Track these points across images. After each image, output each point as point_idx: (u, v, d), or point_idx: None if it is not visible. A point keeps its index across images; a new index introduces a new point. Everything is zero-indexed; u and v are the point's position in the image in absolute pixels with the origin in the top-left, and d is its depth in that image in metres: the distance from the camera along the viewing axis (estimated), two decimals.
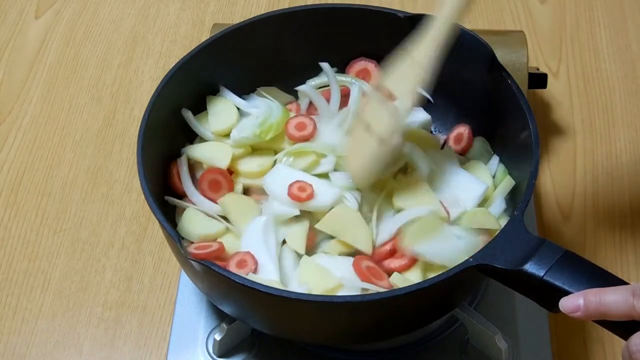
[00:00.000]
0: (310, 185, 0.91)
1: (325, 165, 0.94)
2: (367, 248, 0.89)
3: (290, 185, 0.91)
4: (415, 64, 0.89)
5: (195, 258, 0.81)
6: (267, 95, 1.01)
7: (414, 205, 0.90)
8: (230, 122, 0.98)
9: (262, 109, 0.98)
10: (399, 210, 0.91)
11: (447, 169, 0.94)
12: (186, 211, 0.92)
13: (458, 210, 0.91)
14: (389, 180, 0.93)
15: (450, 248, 0.87)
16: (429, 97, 1.03)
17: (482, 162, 0.97)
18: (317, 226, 0.90)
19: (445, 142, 1.01)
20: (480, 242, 0.87)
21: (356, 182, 0.91)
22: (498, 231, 0.82)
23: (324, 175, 0.94)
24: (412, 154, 0.94)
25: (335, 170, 0.94)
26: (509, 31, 1.16)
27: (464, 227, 0.90)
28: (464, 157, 0.99)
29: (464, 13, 0.89)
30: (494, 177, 0.96)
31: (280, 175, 0.92)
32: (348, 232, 0.89)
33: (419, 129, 1.00)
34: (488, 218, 0.90)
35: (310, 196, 0.91)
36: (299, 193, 0.91)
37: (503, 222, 0.90)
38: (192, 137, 0.99)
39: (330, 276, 0.86)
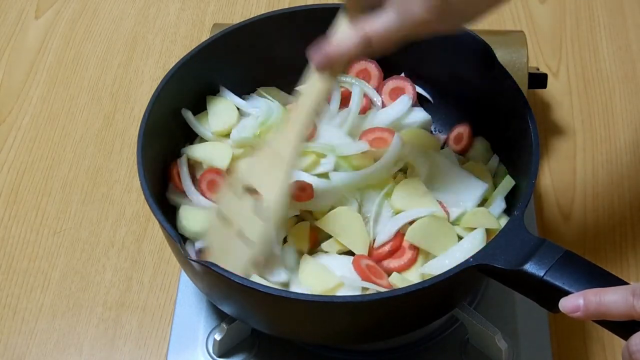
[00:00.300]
0: (310, 185, 0.91)
1: (325, 165, 0.94)
2: (362, 251, 0.89)
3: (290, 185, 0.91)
4: (279, 158, 0.85)
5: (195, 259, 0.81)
6: (267, 95, 1.01)
7: (412, 206, 0.90)
8: (230, 122, 0.98)
9: (262, 109, 0.98)
10: (397, 211, 0.91)
11: (447, 169, 0.94)
12: (182, 208, 0.93)
13: (458, 211, 0.91)
14: (389, 180, 0.93)
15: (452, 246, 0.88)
16: (429, 97, 1.03)
17: (482, 162, 0.97)
18: (317, 223, 0.90)
19: (445, 142, 1.01)
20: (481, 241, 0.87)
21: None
22: (498, 231, 0.82)
23: (324, 175, 0.94)
24: (412, 155, 0.94)
25: (335, 170, 0.94)
26: (509, 31, 1.16)
27: (465, 227, 0.90)
28: (463, 157, 0.99)
29: (322, 104, 0.85)
30: (493, 177, 0.96)
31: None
32: (346, 233, 0.90)
33: (418, 129, 1.00)
34: (488, 218, 0.90)
35: (310, 196, 0.91)
36: (299, 193, 0.91)
37: (503, 222, 0.90)
38: (192, 137, 0.99)
39: (330, 275, 0.86)
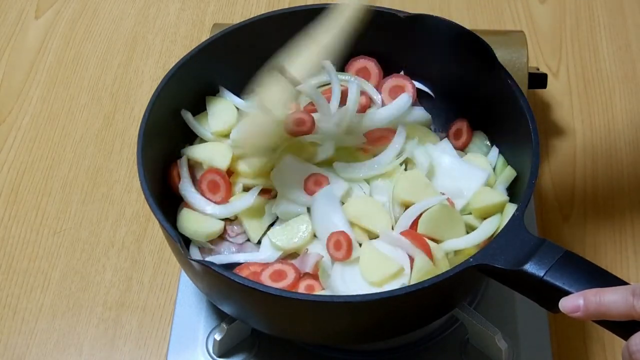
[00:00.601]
0: (326, 178, 0.92)
1: (323, 153, 0.95)
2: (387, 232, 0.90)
3: (306, 180, 0.91)
4: (317, 47, 0.89)
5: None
6: None
7: (417, 197, 0.91)
8: (230, 122, 0.98)
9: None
10: (402, 202, 0.91)
11: (448, 161, 0.95)
12: (183, 210, 0.93)
13: (462, 202, 0.92)
14: (394, 170, 0.93)
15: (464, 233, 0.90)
16: (429, 91, 1.03)
17: (482, 155, 0.97)
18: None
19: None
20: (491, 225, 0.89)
21: (246, 152, 0.92)
22: (504, 206, 0.86)
23: (326, 163, 0.95)
24: (412, 150, 0.94)
25: (336, 160, 0.95)
26: (509, 31, 1.16)
27: (475, 215, 0.91)
28: (463, 152, 0.99)
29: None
30: (494, 170, 0.96)
31: (288, 170, 0.93)
32: (368, 217, 0.90)
33: (418, 125, 1.00)
34: (493, 193, 0.91)
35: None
36: (315, 187, 0.91)
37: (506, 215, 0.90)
38: (192, 137, 0.99)
39: (391, 261, 0.87)
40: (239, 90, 1.01)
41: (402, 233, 0.88)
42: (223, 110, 0.99)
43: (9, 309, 1.02)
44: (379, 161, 0.94)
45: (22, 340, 1.00)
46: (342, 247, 0.88)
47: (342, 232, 0.88)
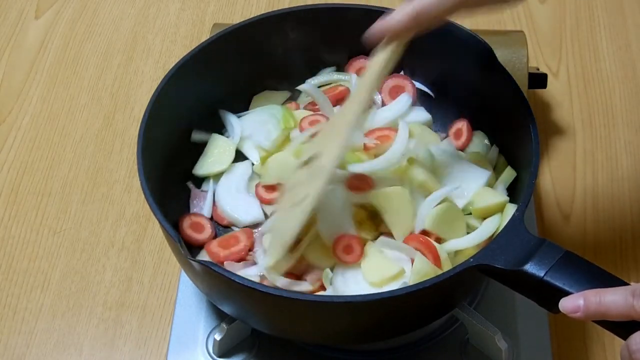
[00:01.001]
0: (369, 177, 0.92)
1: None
2: (399, 235, 0.89)
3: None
4: (340, 126, 0.87)
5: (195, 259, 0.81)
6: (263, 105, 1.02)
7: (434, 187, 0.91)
8: (226, 164, 0.98)
9: (266, 116, 0.98)
10: (420, 185, 0.92)
11: (449, 160, 0.95)
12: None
13: (463, 202, 0.92)
14: (403, 170, 0.94)
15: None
16: (429, 91, 1.03)
17: (482, 155, 0.97)
18: (371, 196, 0.90)
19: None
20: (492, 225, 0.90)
21: (274, 257, 0.87)
22: (504, 206, 0.86)
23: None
24: (414, 149, 0.94)
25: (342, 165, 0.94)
26: (509, 31, 1.16)
27: (475, 215, 0.91)
28: (463, 152, 0.99)
29: (384, 73, 0.87)
30: (494, 170, 0.96)
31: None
32: (393, 213, 0.90)
33: (419, 125, 1.00)
34: (493, 193, 0.91)
35: (370, 186, 0.91)
36: (358, 183, 0.92)
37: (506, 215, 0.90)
38: (192, 136, 0.99)
39: (392, 263, 0.87)
40: (239, 89, 1.01)
41: (411, 236, 0.88)
42: (221, 150, 0.99)
43: (9, 309, 1.02)
44: (386, 159, 0.93)
45: (22, 340, 1.00)
46: (354, 251, 0.88)
47: (355, 237, 0.88)
